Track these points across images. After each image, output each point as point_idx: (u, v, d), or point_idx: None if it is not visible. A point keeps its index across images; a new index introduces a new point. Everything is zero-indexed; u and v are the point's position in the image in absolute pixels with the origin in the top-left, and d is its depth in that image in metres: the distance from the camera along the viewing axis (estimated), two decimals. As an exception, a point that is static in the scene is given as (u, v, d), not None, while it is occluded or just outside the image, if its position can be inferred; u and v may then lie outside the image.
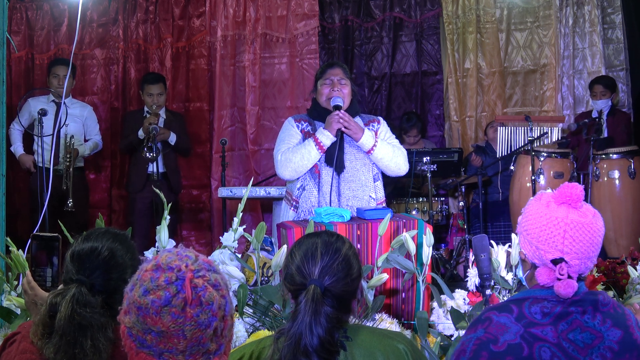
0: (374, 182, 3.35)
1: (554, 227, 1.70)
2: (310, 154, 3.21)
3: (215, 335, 1.38)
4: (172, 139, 5.33)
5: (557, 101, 6.12)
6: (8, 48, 4.90)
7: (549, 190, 1.79)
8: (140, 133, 5.16)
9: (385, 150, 3.28)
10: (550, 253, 1.70)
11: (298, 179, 3.29)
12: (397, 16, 6.35)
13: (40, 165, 4.86)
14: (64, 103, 4.66)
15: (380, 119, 3.49)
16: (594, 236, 1.70)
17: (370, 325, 2.45)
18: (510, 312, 1.70)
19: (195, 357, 1.36)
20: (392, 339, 1.73)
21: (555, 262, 1.69)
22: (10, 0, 4.88)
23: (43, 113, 4.44)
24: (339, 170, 3.25)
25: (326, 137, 3.21)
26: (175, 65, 6.25)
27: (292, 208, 3.30)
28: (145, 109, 5.40)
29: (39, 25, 6.29)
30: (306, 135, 3.31)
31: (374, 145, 3.27)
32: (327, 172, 3.26)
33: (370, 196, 3.31)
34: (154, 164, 5.09)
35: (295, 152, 3.23)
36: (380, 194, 3.39)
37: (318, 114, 3.36)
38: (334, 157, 3.22)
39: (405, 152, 3.39)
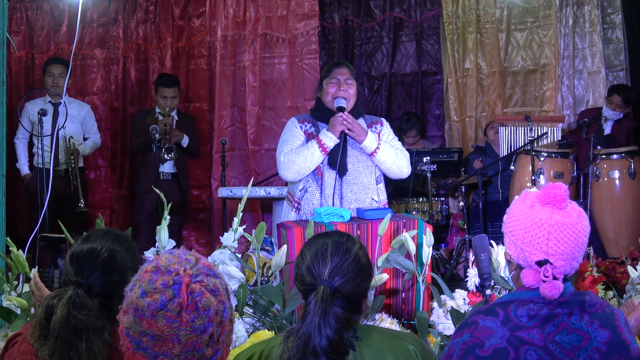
0: (377, 184, 3.33)
1: (538, 229, 1.68)
2: (314, 156, 3.19)
3: (212, 340, 1.37)
4: (185, 141, 5.34)
5: (557, 101, 6.12)
6: (8, 48, 4.90)
7: (534, 189, 1.78)
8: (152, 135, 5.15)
9: (388, 153, 3.26)
10: (535, 255, 1.69)
11: (300, 180, 3.27)
12: (397, 16, 6.35)
13: (40, 166, 4.87)
14: (64, 103, 4.67)
15: (383, 120, 3.47)
16: (579, 236, 1.69)
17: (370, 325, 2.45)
18: (496, 315, 1.69)
19: None
20: (402, 340, 1.72)
21: (540, 263, 1.68)
22: (10, 0, 4.88)
23: (43, 113, 4.44)
24: (342, 173, 3.23)
25: (329, 139, 3.19)
26: (175, 65, 6.25)
27: (294, 210, 3.27)
28: (157, 110, 5.40)
29: (39, 25, 6.29)
30: (309, 137, 3.29)
31: (377, 148, 3.24)
32: (329, 175, 3.23)
33: (373, 198, 3.28)
34: (166, 164, 5.11)
35: (298, 154, 3.20)
36: (383, 196, 3.36)
37: (322, 115, 3.33)
38: (337, 160, 3.19)
39: (407, 154, 3.37)
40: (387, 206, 3.38)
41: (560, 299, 1.68)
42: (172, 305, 1.34)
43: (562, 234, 1.67)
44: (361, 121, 3.35)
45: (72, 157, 5.03)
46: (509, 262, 1.80)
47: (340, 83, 3.28)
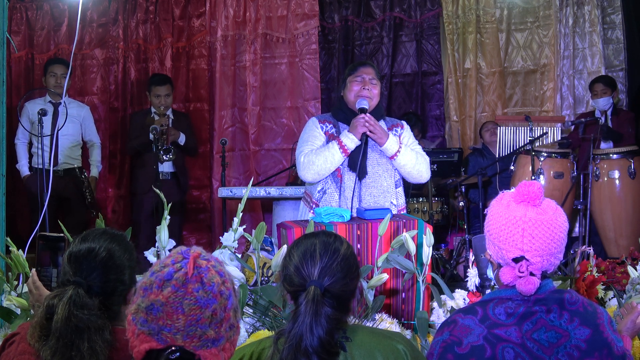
0: (395, 188, 3.29)
1: (513, 226, 1.71)
2: (334, 157, 3.14)
3: (214, 320, 1.39)
4: (182, 139, 5.35)
5: (557, 101, 6.12)
6: (8, 48, 4.90)
7: (512, 189, 1.80)
8: (151, 135, 5.16)
9: (408, 157, 3.22)
10: (511, 252, 1.72)
11: (319, 181, 3.23)
12: (397, 16, 6.35)
13: (39, 166, 4.87)
14: (64, 103, 4.67)
15: (404, 123, 3.42)
16: (554, 232, 1.71)
17: (370, 325, 2.45)
18: (475, 314, 1.73)
19: (192, 340, 1.37)
20: (391, 339, 1.73)
21: (517, 260, 1.71)
22: (10, 0, 4.88)
23: (43, 113, 4.43)
24: (361, 176, 3.18)
25: (351, 141, 3.14)
26: (176, 66, 6.25)
27: (312, 211, 3.20)
28: (152, 110, 5.41)
29: (39, 25, 6.29)
30: (330, 138, 3.24)
31: (398, 151, 3.19)
32: (349, 177, 3.19)
33: (392, 202, 3.25)
34: (164, 164, 5.12)
35: (319, 155, 3.15)
36: (402, 200, 3.32)
37: (344, 115, 3.28)
38: (357, 162, 3.15)
39: (427, 158, 3.32)
40: (405, 210, 3.35)
41: (538, 296, 1.71)
42: (179, 274, 1.38)
43: (536, 230, 1.70)
44: (382, 123, 3.31)
45: (88, 189, 5.24)
46: (490, 262, 1.83)
47: (364, 82, 3.23)
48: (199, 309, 1.37)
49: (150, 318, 1.37)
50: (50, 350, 1.64)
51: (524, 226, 1.70)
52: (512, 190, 1.80)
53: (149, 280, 1.40)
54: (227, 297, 1.42)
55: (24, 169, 5.22)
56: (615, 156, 5.09)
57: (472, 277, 2.84)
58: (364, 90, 3.22)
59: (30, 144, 5.25)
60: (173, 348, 1.36)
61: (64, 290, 1.71)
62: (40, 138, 4.51)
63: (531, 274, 1.69)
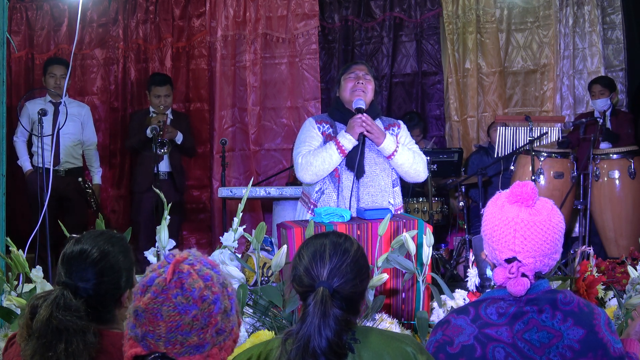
0: (393, 187, 3.30)
1: (505, 227, 1.72)
2: (332, 158, 3.15)
3: (196, 326, 1.38)
4: (179, 138, 5.34)
5: (556, 101, 6.12)
6: (8, 48, 4.90)
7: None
8: (148, 132, 5.16)
9: (405, 156, 3.23)
10: (504, 253, 1.72)
11: (317, 182, 3.24)
12: (397, 16, 6.35)
13: (40, 166, 4.86)
14: (64, 103, 4.67)
15: (401, 122, 3.43)
16: (547, 233, 1.70)
17: (370, 325, 2.45)
18: (467, 314, 1.73)
19: (174, 346, 1.36)
20: (400, 342, 1.71)
21: (509, 261, 1.71)
22: (10, 0, 4.88)
23: (43, 113, 4.43)
24: (359, 175, 3.19)
25: (348, 141, 3.15)
26: (176, 66, 6.25)
27: (310, 211, 3.22)
28: (151, 109, 5.40)
29: (39, 25, 6.29)
30: (327, 138, 3.25)
31: (395, 151, 3.21)
32: (347, 177, 3.20)
33: (389, 202, 3.25)
34: (161, 163, 5.11)
35: (316, 156, 3.16)
36: (399, 200, 3.33)
37: (341, 115, 3.29)
38: (355, 162, 3.16)
39: (425, 158, 3.34)
40: (402, 210, 3.36)
41: (529, 297, 1.71)
42: (159, 280, 1.38)
43: (528, 232, 1.70)
44: (378, 122, 3.32)
45: (93, 197, 5.27)
46: (487, 262, 1.84)
47: (358, 77, 3.26)
48: (178, 315, 1.36)
49: (137, 323, 1.37)
50: (30, 351, 1.63)
51: (516, 227, 1.70)
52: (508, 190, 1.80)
53: (137, 286, 1.41)
54: (211, 302, 1.41)
55: (25, 164, 5.21)
56: (615, 156, 5.09)
57: (472, 277, 2.84)
58: (358, 84, 3.24)
59: (30, 144, 5.25)
60: (155, 355, 1.36)
61: (51, 291, 1.70)
62: (40, 138, 4.51)
63: (523, 274, 1.69)
